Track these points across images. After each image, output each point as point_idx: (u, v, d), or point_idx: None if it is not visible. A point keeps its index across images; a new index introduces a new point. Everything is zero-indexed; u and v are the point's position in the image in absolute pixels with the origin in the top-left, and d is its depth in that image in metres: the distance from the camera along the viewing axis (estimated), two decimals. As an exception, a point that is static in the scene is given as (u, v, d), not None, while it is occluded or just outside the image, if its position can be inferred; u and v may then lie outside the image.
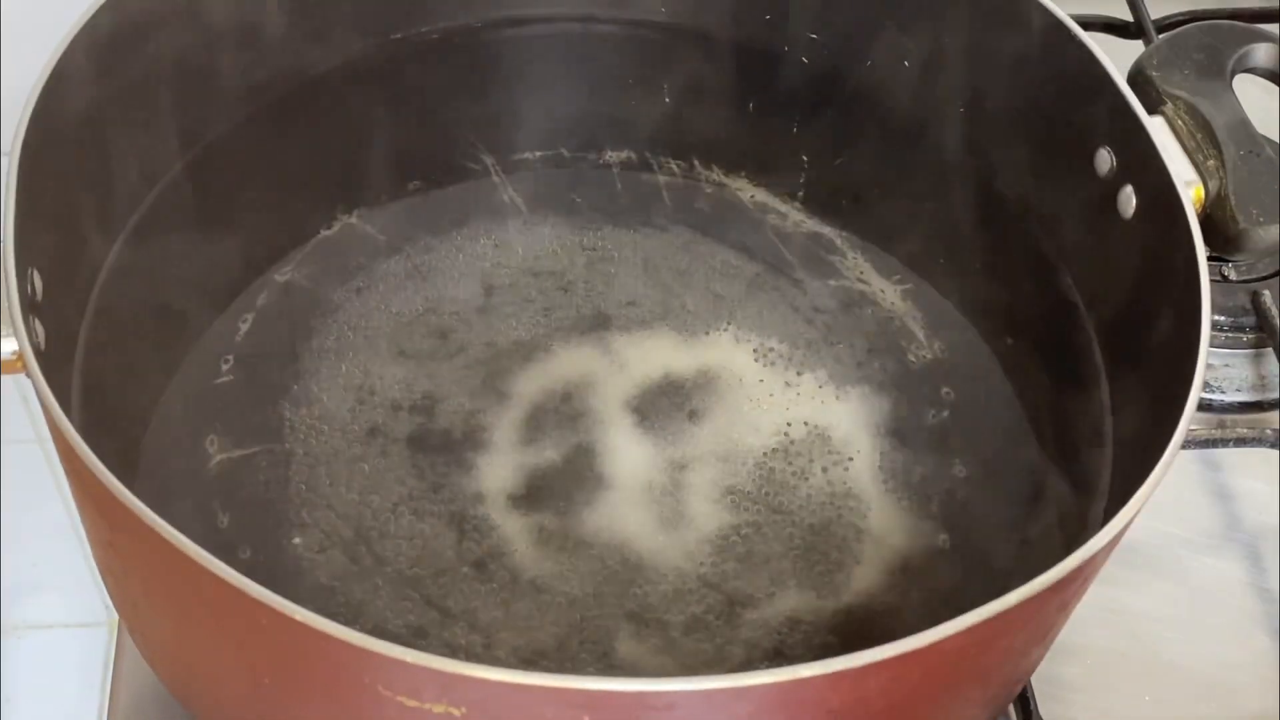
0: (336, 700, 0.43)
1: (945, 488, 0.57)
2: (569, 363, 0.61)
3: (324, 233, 0.64)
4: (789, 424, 0.59)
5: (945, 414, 0.60)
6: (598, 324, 0.63)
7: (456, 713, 0.40)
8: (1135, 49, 0.68)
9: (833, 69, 0.68)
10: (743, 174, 0.68)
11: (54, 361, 0.51)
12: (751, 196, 0.67)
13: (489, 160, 0.68)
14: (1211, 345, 0.55)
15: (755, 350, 0.62)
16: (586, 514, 0.56)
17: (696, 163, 0.68)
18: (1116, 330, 0.60)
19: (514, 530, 0.55)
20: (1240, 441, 0.65)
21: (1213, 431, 0.66)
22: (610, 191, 0.67)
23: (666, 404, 0.60)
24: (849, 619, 0.53)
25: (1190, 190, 0.55)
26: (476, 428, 0.59)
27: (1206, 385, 0.68)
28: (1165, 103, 0.57)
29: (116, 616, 0.65)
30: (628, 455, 0.58)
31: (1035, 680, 0.58)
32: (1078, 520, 0.56)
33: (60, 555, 0.68)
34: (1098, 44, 0.56)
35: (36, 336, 0.48)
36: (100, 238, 0.59)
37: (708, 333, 0.63)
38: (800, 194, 0.67)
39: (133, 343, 0.58)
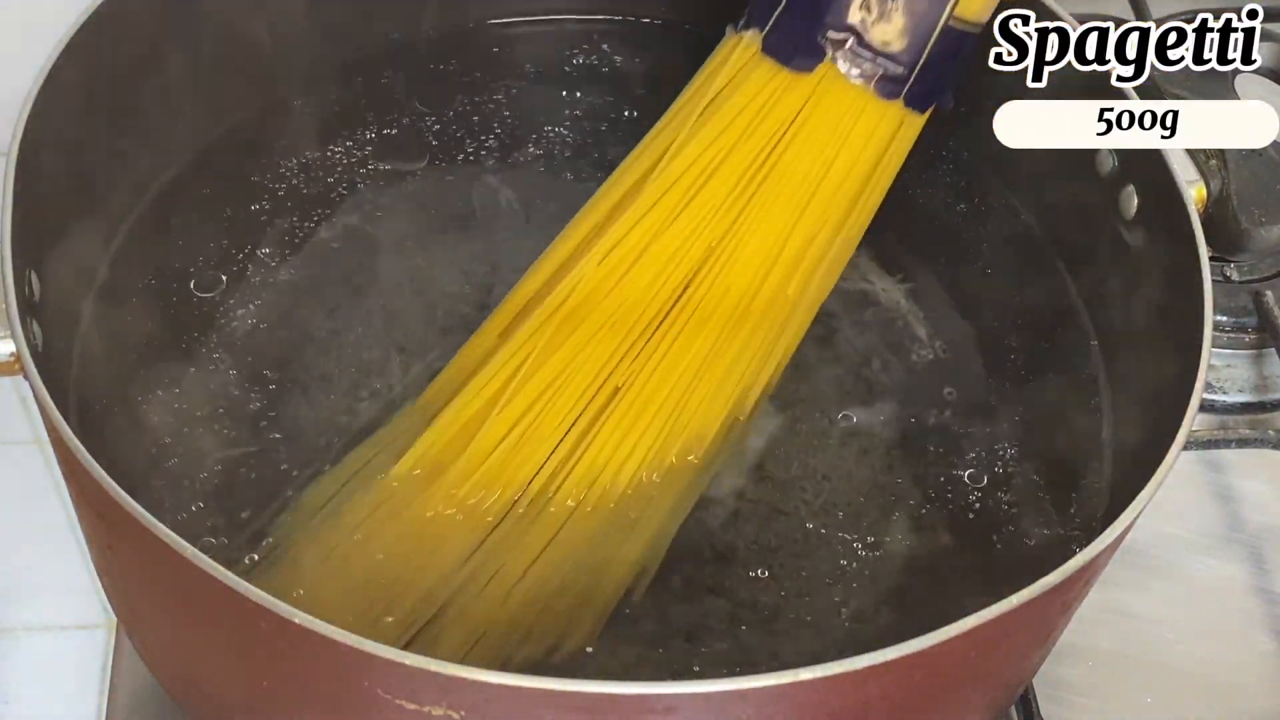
0: (336, 703, 0.42)
1: (946, 488, 0.57)
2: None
3: (324, 232, 0.64)
4: (789, 423, 0.59)
5: (946, 414, 0.60)
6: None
7: (456, 716, 0.40)
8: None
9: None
10: (743, 174, 0.68)
11: (52, 363, 0.51)
12: (752, 196, 0.67)
13: (489, 160, 0.68)
14: (1214, 346, 0.55)
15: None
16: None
17: (697, 163, 0.68)
18: (1118, 330, 0.59)
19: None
20: (1242, 442, 0.65)
21: (1215, 432, 0.65)
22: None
23: (667, 405, 0.60)
24: (849, 620, 0.53)
25: (1192, 189, 0.54)
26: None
27: (1208, 386, 0.68)
28: (1167, 102, 0.57)
29: (115, 619, 0.65)
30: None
31: (1037, 682, 0.58)
32: (1079, 521, 0.56)
33: (58, 557, 0.68)
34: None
35: (34, 338, 0.48)
36: (98, 239, 0.59)
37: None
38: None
39: (131, 344, 0.57)
